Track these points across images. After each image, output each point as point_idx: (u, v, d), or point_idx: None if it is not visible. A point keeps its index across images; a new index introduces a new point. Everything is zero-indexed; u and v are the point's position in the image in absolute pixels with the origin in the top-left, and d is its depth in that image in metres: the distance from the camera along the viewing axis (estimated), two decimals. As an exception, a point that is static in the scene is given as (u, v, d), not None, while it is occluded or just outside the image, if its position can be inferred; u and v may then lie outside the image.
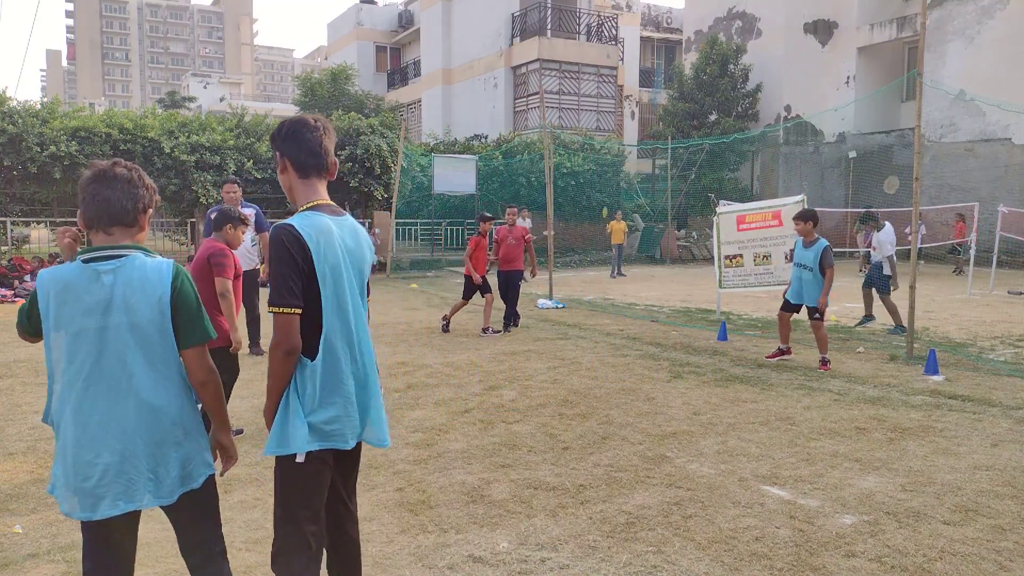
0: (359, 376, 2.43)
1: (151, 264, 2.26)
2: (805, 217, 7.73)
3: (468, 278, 9.81)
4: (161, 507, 2.35)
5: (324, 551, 2.50)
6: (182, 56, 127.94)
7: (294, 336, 2.26)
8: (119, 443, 2.21)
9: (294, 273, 2.25)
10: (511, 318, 10.19)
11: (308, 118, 2.46)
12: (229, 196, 7.50)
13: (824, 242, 7.70)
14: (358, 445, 2.51)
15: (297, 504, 2.36)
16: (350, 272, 2.40)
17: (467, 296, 9.96)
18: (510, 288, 10.13)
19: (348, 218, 2.49)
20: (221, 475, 2.52)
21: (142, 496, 2.24)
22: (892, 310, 9.88)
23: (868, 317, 10.52)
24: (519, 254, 10.13)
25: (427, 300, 13.75)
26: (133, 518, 2.36)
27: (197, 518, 2.42)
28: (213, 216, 5.61)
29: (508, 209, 10.55)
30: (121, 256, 2.23)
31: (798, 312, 7.97)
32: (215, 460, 2.48)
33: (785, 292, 8.10)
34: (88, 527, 2.30)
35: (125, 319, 2.20)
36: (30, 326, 2.32)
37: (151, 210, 2.35)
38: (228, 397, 5.30)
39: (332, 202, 2.46)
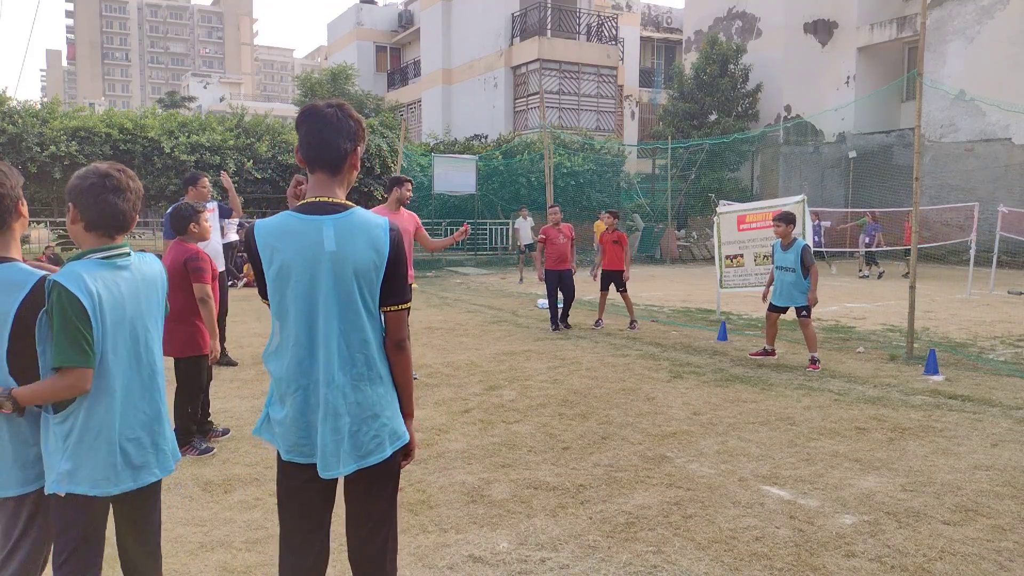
0: (310, 394, 2.20)
1: (156, 264, 2.55)
2: (788, 220, 7.88)
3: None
4: (117, 502, 2.41)
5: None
6: (182, 56, 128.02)
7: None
8: (143, 419, 2.39)
9: (258, 271, 2.23)
10: (566, 315, 10.39)
11: (318, 105, 2.21)
12: (203, 191, 6.95)
13: (802, 241, 7.89)
14: (365, 472, 2.25)
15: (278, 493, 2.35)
16: (320, 277, 2.16)
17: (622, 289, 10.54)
18: (564, 286, 10.25)
19: (345, 216, 2.20)
20: None
21: (153, 469, 2.43)
22: None
23: None
24: (567, 252, 10.27)
25: (427, 300, 13.76)
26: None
27: (149, 511, 2.51)
28: (170, 214, 5.09)
29: (551, 208, 10.68)
30: (128, 254, 2.43)
31: (785, 312, 8.08)
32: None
33: (764, 296, 8.23)
34: (88, 504, 2.32)
35: (142, 308, 2.42)
36: (90, 349, 2.23)
37: None
38: (199, 407, 5.05)
39: (335, 198, 2.22)
